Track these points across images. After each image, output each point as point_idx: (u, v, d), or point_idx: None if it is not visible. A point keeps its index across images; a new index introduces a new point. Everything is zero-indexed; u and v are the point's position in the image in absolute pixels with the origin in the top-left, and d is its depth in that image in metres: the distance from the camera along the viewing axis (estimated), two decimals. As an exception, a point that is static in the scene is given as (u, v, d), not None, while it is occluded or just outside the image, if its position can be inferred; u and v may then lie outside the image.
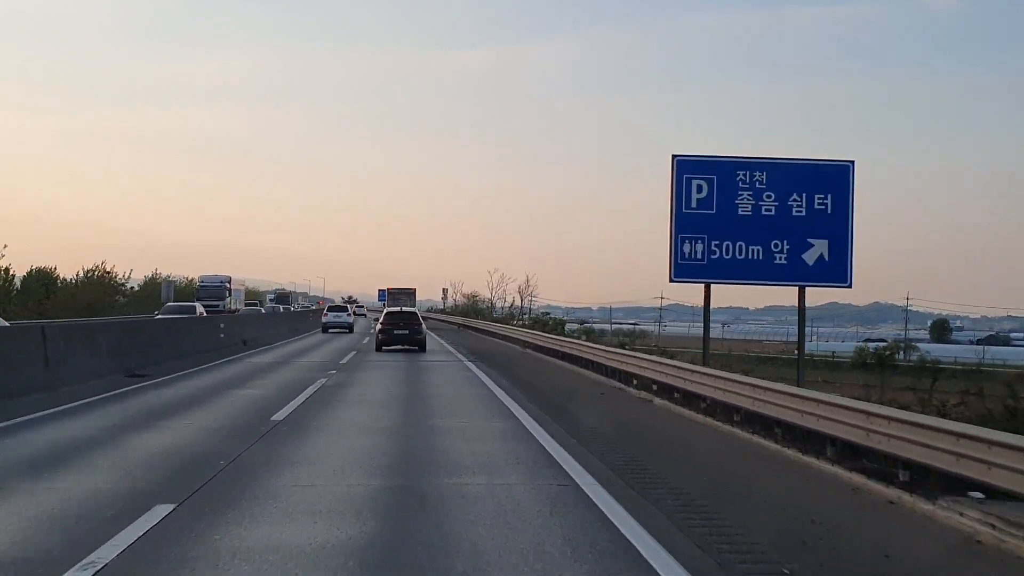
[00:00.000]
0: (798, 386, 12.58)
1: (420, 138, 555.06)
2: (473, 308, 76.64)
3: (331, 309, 51.94)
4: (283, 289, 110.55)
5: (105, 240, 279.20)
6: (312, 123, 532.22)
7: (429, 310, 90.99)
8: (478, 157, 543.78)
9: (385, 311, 32.64)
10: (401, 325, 28.53)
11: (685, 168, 16.85)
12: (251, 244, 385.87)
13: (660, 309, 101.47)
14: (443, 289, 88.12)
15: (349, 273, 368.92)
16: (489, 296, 75.54)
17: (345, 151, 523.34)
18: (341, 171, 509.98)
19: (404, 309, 31.99)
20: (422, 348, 28.35)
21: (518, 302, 72.22)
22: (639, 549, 5.67)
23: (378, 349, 27.94)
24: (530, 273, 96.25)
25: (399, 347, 28.15)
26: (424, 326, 29.94)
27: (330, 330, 45.46)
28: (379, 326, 29.25)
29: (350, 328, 46.69)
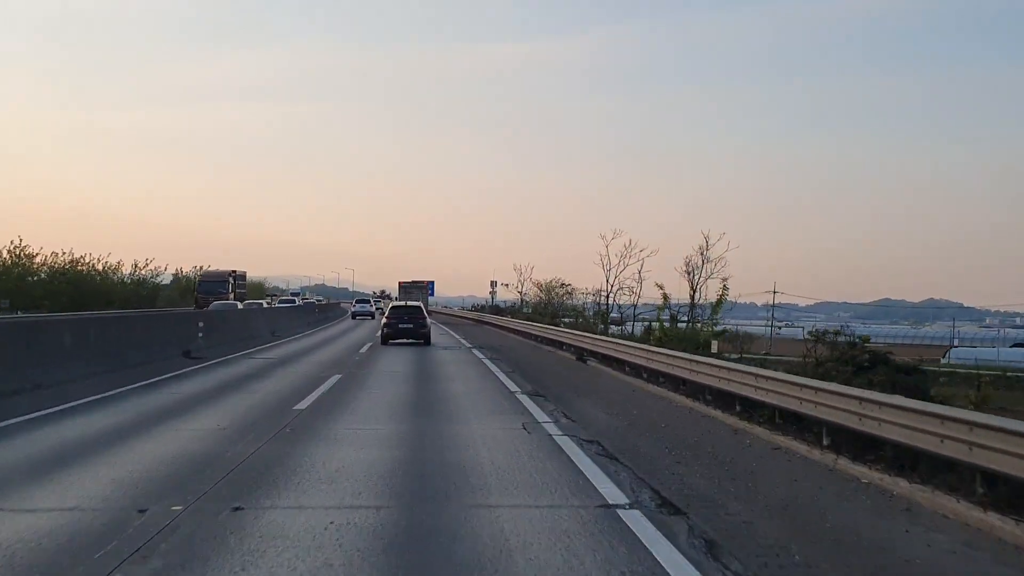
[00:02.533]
0: None
1: (456, 133, 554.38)
2: (561, 306, 48.49)
3: (358, 301, 69.29)
4: (217, 270, 59.84)
5: (143, 236, 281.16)
6: (345, 120, 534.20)
7: (474, 308, 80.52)
8: (520, 153, 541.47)
9: (391, 306, 33.79)
10: (406, 319, 29.79)
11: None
12: (292, 241, 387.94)
13: (772, 306, 75.50)
14: (491, 282, 68.79)
15: (389, 267, 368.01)
16: (606, 283, 40.53)
17: (380, 147, 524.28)
18: (380, 167, 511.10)
19: (409, 304, 33.26)
20: (427, 341, 29.56)
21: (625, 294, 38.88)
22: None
23: (384, 343, 29.01)
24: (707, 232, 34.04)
25: (404, 340, 29.13)
26: (428, 320, 31.39)
27: (356, 317, 58.70)
28: (384, 320, 30.66)
29: (372, 316, 58.04)
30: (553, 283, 53.37)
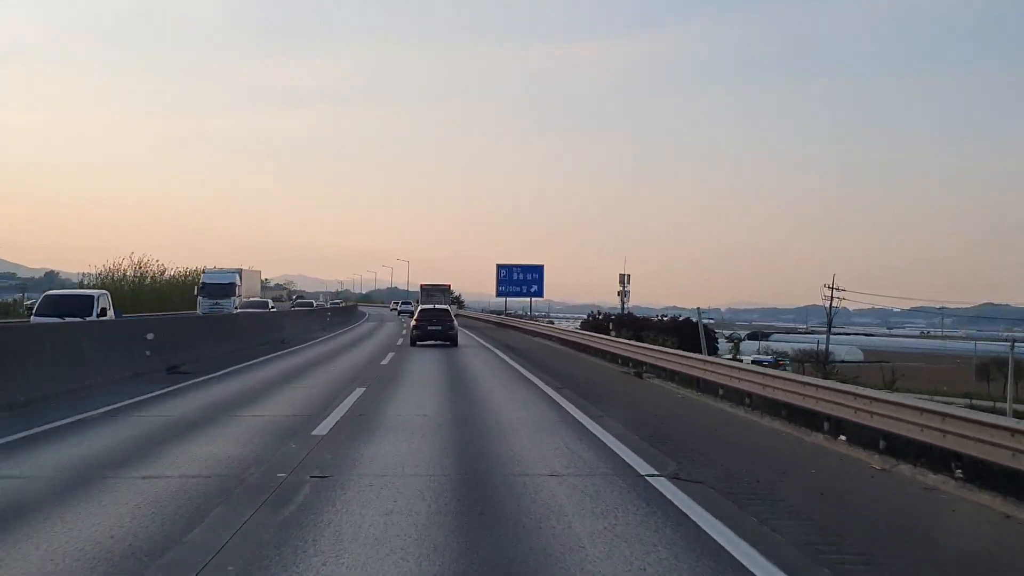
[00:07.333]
0: None
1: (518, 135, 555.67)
2: None
3: (403, 302, 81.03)
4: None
5: (208, 238, 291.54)
6: (427, 123, 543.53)
7: (591, 318, 54.63)
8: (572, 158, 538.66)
9: (419, 308, 34.77)
10: (434, 321, 30.16)
11: None
12: (357, 245, 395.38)
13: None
14: (621, 276, 44.10)
15: (455, 268, 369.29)
16: None
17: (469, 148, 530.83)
18: (438, 170, 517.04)
19: (437, 307, 33.91)
20: (454, 343, 29.63)
21: None
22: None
23: (412, 344, 29.38)
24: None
25: (433, 342, 29.55)
26: (456, 323, 31.48)
27: (401, 315, 66.21)
28: (413, 322, 30.90)
29: (412, 314, 58.53)
30: None
